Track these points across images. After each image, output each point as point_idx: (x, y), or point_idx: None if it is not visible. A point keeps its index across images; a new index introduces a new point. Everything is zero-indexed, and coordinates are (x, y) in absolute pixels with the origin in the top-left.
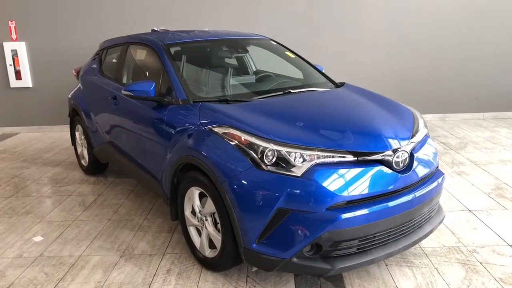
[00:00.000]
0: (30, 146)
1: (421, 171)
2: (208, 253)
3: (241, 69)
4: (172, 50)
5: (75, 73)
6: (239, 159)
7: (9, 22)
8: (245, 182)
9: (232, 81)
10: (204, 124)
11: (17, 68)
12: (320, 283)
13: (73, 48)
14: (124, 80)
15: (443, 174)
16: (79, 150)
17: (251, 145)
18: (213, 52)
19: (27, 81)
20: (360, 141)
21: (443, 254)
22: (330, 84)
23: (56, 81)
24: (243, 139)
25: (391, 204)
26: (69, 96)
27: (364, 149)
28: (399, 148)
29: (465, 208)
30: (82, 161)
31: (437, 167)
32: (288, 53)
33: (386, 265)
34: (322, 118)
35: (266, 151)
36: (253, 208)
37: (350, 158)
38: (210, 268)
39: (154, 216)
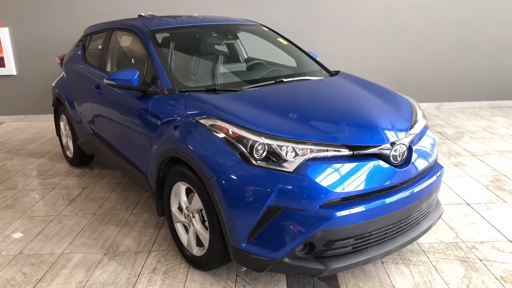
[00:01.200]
0: (14, 136)
1: (420, 165)
2: (196, 251)
3: (231, 56)
4: (158, 36)
5: (59, 61)
6: (228, 153)
7: None
8: (233, 178)
9: (222, 69)
10: (190, 115)
11: (0, 55)
12: (313, 282)
13: (59, 34)
14: (108, 68)
15: (442, 167)
16: (64, 141)
17: (240, 139)
18: (201, 38)
19: (11, 68)
20: (355, 134)
21: (441, 250)
22: (325, 72)
23: (42, 69)
24: (231, 132)
25: (388, 200)
26: (53, 84)
27: (360, 142)
28: (397, 141)
29: (463, 202)
30: (67, 152)
31: (436, 160)
32: (280, 39)
33: (382, 263)
34: (316, 109)
35: (256, 145)
36: (242, 206)
37: (345, 152)
38: (198, 267)
39: (141, 211)
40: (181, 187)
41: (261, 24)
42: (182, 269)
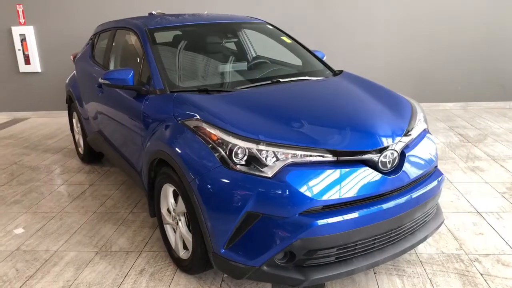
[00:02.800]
0: (36, 132)
1: (413, 172)
2: (182, 254)
3: (234, 55)
4: (156, 35)
5: (72, 58)
6: (208, 157)
7: (17, 6)
8: (212, 182)
9: (218, 69)
10: (177, 116)
11: (26, 53)
12: None
13: (82, 32)
14: (111, 67)
15: (442, 174)
16: (76, 137)
17: (220, 142)
18: (201, 37)
19: (35, 66)
20: (342, 139)
21: (440, 262)
22: (328, 72)
23: (65, 66)
24: (212, 135)
25: (376, 209)
26: (66, 81)
27: (346, 147)
28: (387, 147)
29: (473, 210)
30: (79, 149)
31: (436, 166)
32: (284, 38)
33: (375, 273)
34: (305, 112)
35: (235, 148)
36: (220, 211)
37: (329, 157)
38: (184, 270)
39: (140, 210)
40: (168, 189)
41: (266, 22)
42: (169, 271)
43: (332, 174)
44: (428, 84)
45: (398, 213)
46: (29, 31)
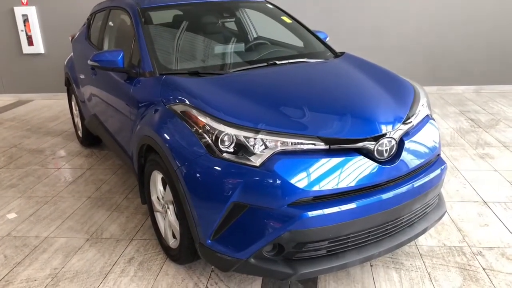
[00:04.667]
0: (39, 114)
1: (412, 161)
2: (172, 243)
3: (231, 36)
4: (148, 15)
5: (71, 39)
6: (194, 144)
7: None
8: (198, 170)
9: (214, 50)
10: (164, 100)
11: (29, 33)
12: (289, 283)
13: (84, 11)
14: (105, 48)
15: (445, 164)
16: (75, 120)
17: (206, 128)
18: (197, 17)
19: (39, 47)
20: (335, 126)
21: (441, 255)
22: (329, 54)
23: (68, 47)
24: (198, 120)
25: (370, 200)
26: (65, 63)
27: (339, 135)
28: (384, 134)
29: (480, 199)
30: (79, 132)
31: (438, 155)
32: (284, 18)
33: (371, 266)
34: (298, 97)
35: (222, 135)
36: (206, 200)
37: (321, 145)
38: (173, 260)
39: (135, 195)
40: (157, 176)
41: (266, 1)
42: (158, 260)
43: (324, 164)
44: (441, 67)
45: (395, 205)
46: (32, 11)
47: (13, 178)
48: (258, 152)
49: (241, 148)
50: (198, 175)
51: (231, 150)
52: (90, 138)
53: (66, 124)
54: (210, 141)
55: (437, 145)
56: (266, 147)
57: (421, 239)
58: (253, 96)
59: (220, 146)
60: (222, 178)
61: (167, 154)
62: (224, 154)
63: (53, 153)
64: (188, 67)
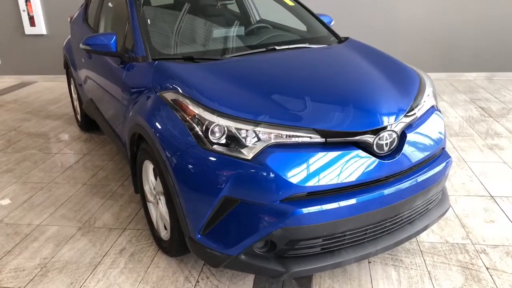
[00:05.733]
0: (40, 96)
1: (415, 155)
2: (163, 234)
3: (231, 19)
4: None
5: (69, 20)
6: (184, 134)
7: None
8: (187, 163)
9: (211, 35)
10: (155, 87)
11: (31, 14)
12: (283, 280)
13: None
14: (100, 31)
15: (449, 158)
16: (75, 104)
17: (197, 118)
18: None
19: (41, 28)
20: (332, 117)
21: (442, 253)
22: (333, 39)
23: None
24: (189, 110)
25: (369, 196)
26: (63, 45)
27: (336, 127)
28: (385, 127)
29: (486, 193)
30: (78, 116)
31: (443, 148)
32: (286, 0)
33: (369, 263)
34: (294, 85)
35: (212, 126)
36: (196, 194)
37: (317, 138)
38: (165, 252)
39: (131, 183)
40: (148, 166)
41: None
42: (150, 252)
43: (319, 158)
44: (451, 52)
45: (395, 201)
46: None
47: (9, 163)
48: (250, 145)
49: (233, 140)
50: (187, 167)
51: (223, 142)
52: (89, 122)
53: (67, 108)
54: (200, 132)
55: (442, 138)
56: (259, 139)
57: (423, 235)
58: (247, 84)
59: (211, 138)
60: (212, 171)
61: (156, 144)
62: (215, 146)
63: (51, 137)
64: (182, 52)
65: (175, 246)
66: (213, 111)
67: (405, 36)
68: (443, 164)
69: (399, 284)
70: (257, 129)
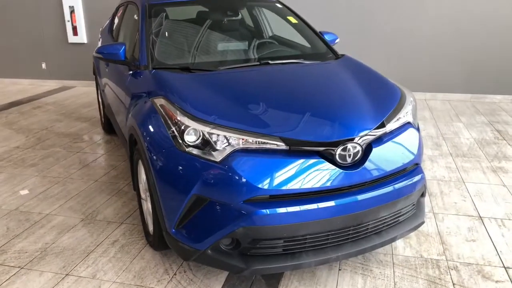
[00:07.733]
0: (76, 100)
1: (380, 168)
2: (151, 229)
3: (236, 34)
4: (155, 10)
5: (101, 30)
6: (164, 136)
7: None
8: (164, 162)
9: (211, 48)
10: (150, 93)
11: (74, 24)
12: (253, 278)
13: None
14: (120, 41)
15: (422, 173)
16: (101, 107)
17: (176, 122)
18: (204, 14)
19: (82, 37)
20: (298, 127)
21: (413, 266)
22: (331, 55)
23: None
24: (171, 114)
25: (328, 204)
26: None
27: (299, 137)
28: (349, 139)
29: (475, 214)
30: (102, 119)
31: (417, 164)
32: (290, 18)
33: (339, 269)
34: (272, 97)
35: (188, 130)
36: (170, 191)
37: (282, 146)
38: (151, 245)
39: None
40: (141, 166)
41: (277, 0)
42: (139, 245)
43: (282, 164)
44: (478, 75)
45: (357, 210)
46: (78, 3)
47: (36, 158)
48: (220, 149)
49: (207, 144)
50: (165, 166)
51: (199, 145)
52: (110, 125)
53: (96, 111)
54: (177, 135)
55: (414, 155)
56: (229, 144)
57: (400, 249)
58: (228, 94)
59: (186, 140)
60: (185, 171)
61: (143, 145)
62: (190, 149)
63: (77, 137)
64: (180, 62)
65: (157, 240)
66: (190, 116)
67: (430, 55)
68: (414, 180)
69: None
70: (228, 134)
